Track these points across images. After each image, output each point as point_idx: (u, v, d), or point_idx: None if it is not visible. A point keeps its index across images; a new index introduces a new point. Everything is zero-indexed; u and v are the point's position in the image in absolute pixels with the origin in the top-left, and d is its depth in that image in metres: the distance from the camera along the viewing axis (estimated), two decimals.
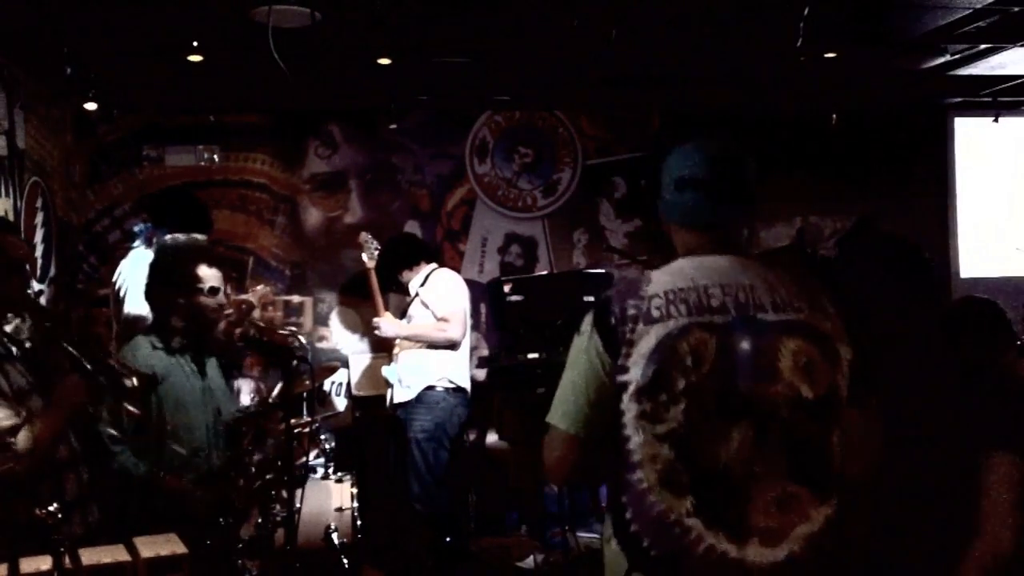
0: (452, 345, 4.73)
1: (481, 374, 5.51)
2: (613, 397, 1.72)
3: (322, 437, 4.59)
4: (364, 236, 5.03)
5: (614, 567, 1.74)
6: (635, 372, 1.69)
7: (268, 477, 3.18)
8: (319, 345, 5.76)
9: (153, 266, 3.24)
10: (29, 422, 2.28)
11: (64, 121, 5.41)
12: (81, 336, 2.68)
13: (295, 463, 3.81)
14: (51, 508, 1.87)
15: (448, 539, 4.70)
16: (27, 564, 1.92)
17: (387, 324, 4.84)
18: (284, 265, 5.89)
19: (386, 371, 4.89)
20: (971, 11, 4.05)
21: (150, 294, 3.19)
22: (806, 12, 3.84)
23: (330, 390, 5.42)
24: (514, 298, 5.22)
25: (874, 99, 6.02)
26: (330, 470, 4.44)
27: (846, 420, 1.72)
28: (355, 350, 5.80)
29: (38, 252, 5.00)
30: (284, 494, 3.39)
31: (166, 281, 3.13)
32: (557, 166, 6.16)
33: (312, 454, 4.49)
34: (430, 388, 4.69)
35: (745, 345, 1.70)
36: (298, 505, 3.57)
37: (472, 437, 5.34)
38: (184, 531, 2.45)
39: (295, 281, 5.89)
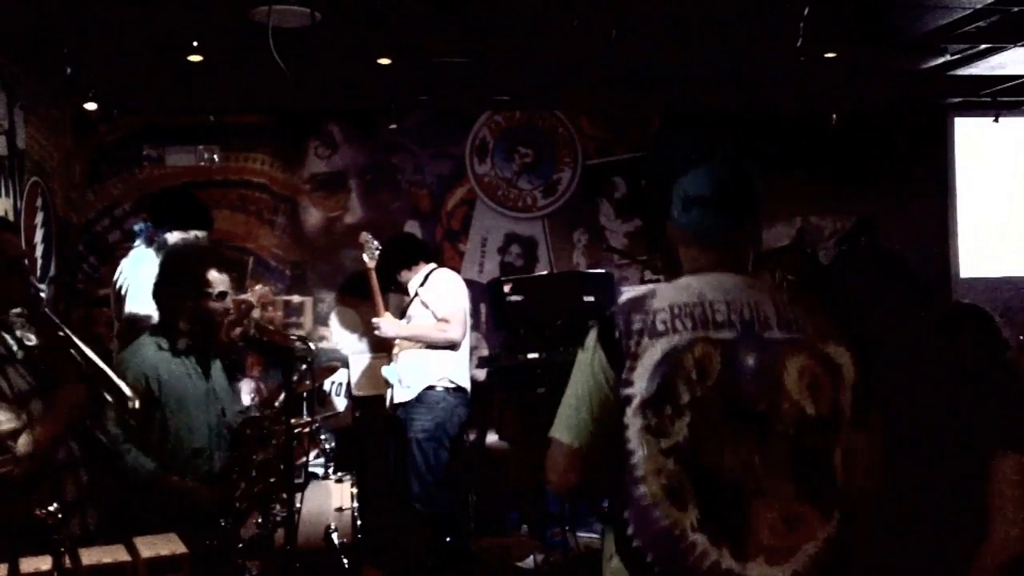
0: (452, 345, 4.73)
1: (481, 374, 5.51)
2: (617, 411, 1.72)
3: (322, 437, 4.58)
4: (364, 236, 5.03)
5: None
6: (640, 385, 1.69)
7: (271, 479, 3.19)
8: (319, 345, 5.76)
9: (163, 267, 3.25)
10: (29, 426, 2.28)
11: (64, 121, 5.41)
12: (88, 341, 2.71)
13: (295, 463, 3.81)
14: (51, 508, 1.87)
15: (448, 539, 4.70)
16: (27, 564, 1.91)
17: (387, 324, 4.83)
18: (284, 265, 5.89)
19: (386, 371, 4.88)
20: (971, 11, 4.05)
21: (158, 294, 3.20)
22: (806, 12, 3.84)
23: (330, 390, 5.42)
24: (514, 298, 5.22)
25: (874, 99, 6.02)
26: (330, 470, 4.44)
27: (848, 439, 1.72)
28: (355, 350, 5.80)
29: (38, 252, 5.00)
30: (284, 494, 3.40)
31: (175, 283, 3.14)
32: (557, 166, 6.16)
33: (312, 454, 4.49)
34: (430, 388, 4.69)
35: (750, 361, 1.70)
36: (298, 505, 3.57)
37: (472, 437, 5.34)
38: (185, 531, 2.46)
39: (295, 281, 5.89)
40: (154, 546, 2.05)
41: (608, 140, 6.20)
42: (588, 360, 1.78)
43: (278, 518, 3.33)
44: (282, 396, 3.85)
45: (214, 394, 3.19)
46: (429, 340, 4.72)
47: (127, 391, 2.39)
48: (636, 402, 1.70)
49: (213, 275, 3.11)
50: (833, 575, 1.69)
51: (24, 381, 2.39)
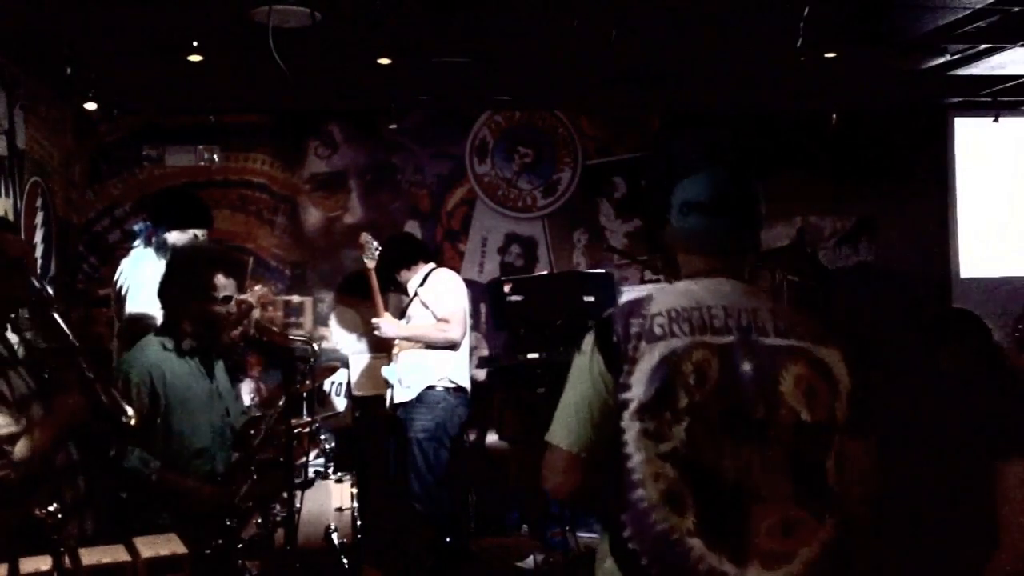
0: (452, 345, 4.73)
1: (481, 374, 5.51)
2: (614, 415, 1.71)
3: (322, 437, 4.58)
4: (365, 237, 5.03)
5: None
6: (637, 390, 1.69)
7: (274, 479, 3.20)
8: (320, 345, 5.76)
9: (169, 268, 3.27)
10: (28, 431, 2.27)
11: (64, 121, 5.41)
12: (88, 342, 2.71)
13: (295, 463, 3.82)
14: (51, 508, 1.87)
15: (448, 539, 4.70)
16: (27, 564, 1.91)
17: (387, 325, 4.83)
18: (284, 265, 5.89)
19: (386, 371, 4.88)
20: (971, 11, 4.05)
21: (163, 295, 3.22)
22: (806, 12, 3.84)
23: (330, 390, 5.42)
24: (514, 298, 5.22)
25: (874, 99, 6.02)
26: (330, 470, 4.43)
27: (844, 445, 1.72)
28: (355, 350, 5.80)
29: (38, 252, 5.00)
30: (284, 494, 3.40)
31: (181, 285, 3.15)
32: (557, 166, 6.16)
33: (312, 454, 4.49)
34: (430, 388, 4.69)
35: (747, 367, 1.70)
36: (298, 505, 3.57)
37: (472, 437, 5.34)
38: (189, 530, 2.47)
39: (295, 281, 5.89)
40: (154, 546, 2.05)
41: (608, 140, 6.20)
42: (585, 364, 1.78)
43: (278, 518, 3.34)
44: (292, 395, 3.87)
45: (217, 394, 3.22)
46: (429, 340, 4.73)
47: (126, 407, 2.39)
48: (634, 406, 1.69)
49: (220, 279, 3.13)
50: None
51: (25, 385, 2.39)
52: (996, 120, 5.95)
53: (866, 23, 4.25)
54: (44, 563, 1.88)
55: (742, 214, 1.87)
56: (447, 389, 4.71)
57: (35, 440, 2.27)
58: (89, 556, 1.97)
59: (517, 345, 5.17)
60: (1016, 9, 4.00)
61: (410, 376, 4.75)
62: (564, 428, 1.79)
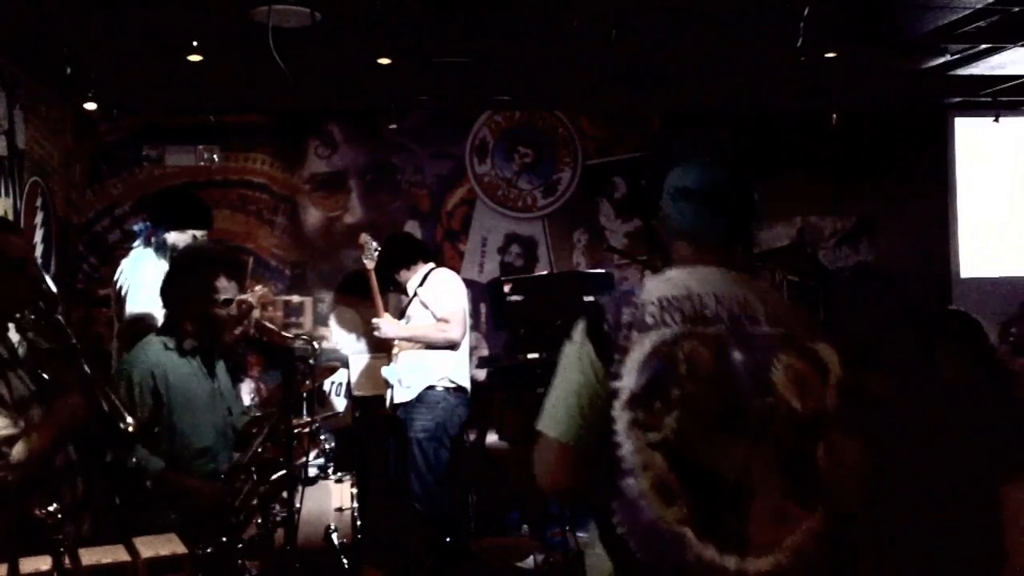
0: (452, 345, 4.73)
1: (481, 374, 5.51)
2: (605, 406, 1.71)
3: (322, 437, 4.58)
4: (364, 238, 5.02)
5: (598, 573, 1.73)
6: (628, 380, 1.69)
7: (276, 479, 3.22)
8: (318, 347, 5.76)
9: (172, 269, 3.30)
10: (27, 433, 2.27)
11: (64, 121, 5.41)
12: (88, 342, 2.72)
13: (295, 463, 3.82)
14: (51, 508, 1.87)
15: (448, 539, 4.70)
16: (27, 564, 1.91)
17: (387, 325, 4.83)
18: (284, 265, 5.89)
19: (386, 371, 4.88)
20: (971, 11, 4.05)
21: (165, 295, 3.23)
22: (806, 12, 3.84)
23: (330, 390, 5.42)
24: (514, 298, 5.22)
25: (874, 99, 6.02)
26: (330, 470, 4.43)
27: (834, 435, 1.72)
28: (355, 350, 5.80)
29: (38, 252, 5.00)
30: (284, 494, 3.40)
31: (183, 286, 3.18)
32: (557, 166, 6.16)
33: (312, 454, 4.49)
34: (430, 388, 4.69)
35: (739, 356, 1.70)
36: (298, 505, 3.57)
37: (472, 437, 5.34)
38: (190, 529, 2.47)
39: (295, 281, 5.89)
40: (154, 546, 2.05)
41: (608, 140, 6.20)
42: (576, 352, 1.77)
43: (278, 518, 3.34)
44: (292, 394, 3.88)
45: (219, 394, 3.24)
46: (429, 340, 4.72)
47: (126, 415, 2.39)
48: (624, 396, 1.68)
49: (222, 283, 3.16)
50: (818, 569, 1.68)
51: (25, 386, 2.38)
52: (996, 120, 5.96)
53: (866, 23, 4.25)
54: (44, 563, 1.88)
55: (733, 203, 1.87)
56: (447, 389, 4.70)
57: (33, 442, 2.26)
58: (89, 556, 1.97)
59: (517, 345, 5.17)
60: (1016, 9, 4.01)
61: (410, 376, 4.75)
62: (554, 417, 1.78)
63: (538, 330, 5.04)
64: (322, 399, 5.19)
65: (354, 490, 4.18)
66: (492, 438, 5.42)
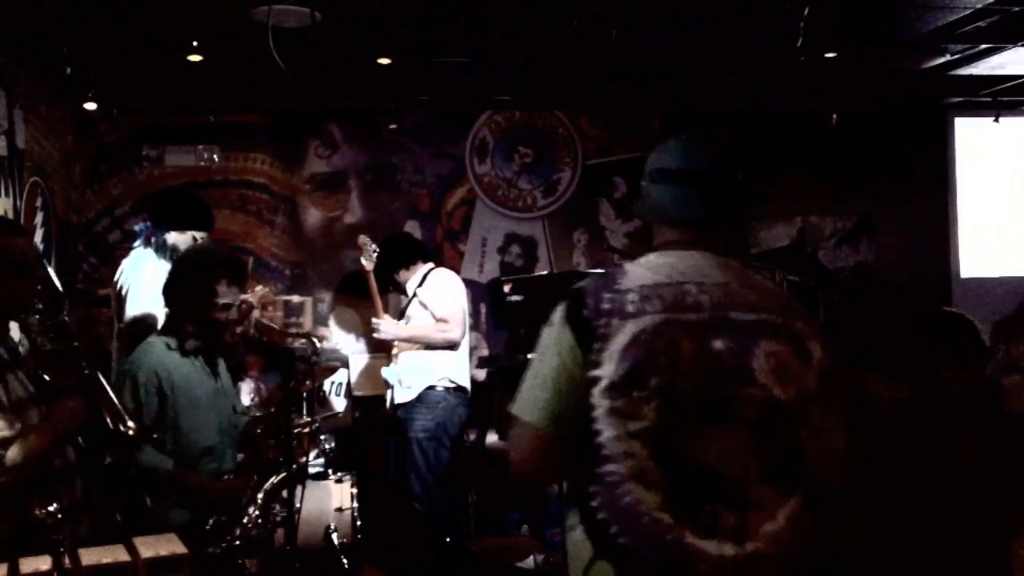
0: (452, 345, 4.73)
1: (481, 374, 5.51)
2: (583, 392, 1.69)
3: (322, 437, 4.59)
4: (363, 239, 5.02)
5: (579, 555, 1.72)
6: (608, 368, 1.66)
7: (282, 476, 3.24)
8: (319, 345, 5.76)
9: (174, 270, 3.31)
10: (23, 436, 2.26)
11: (64, 121, 5.41)
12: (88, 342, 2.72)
13: (295, 463, 3.83)
14: (51, 508, 1.87)
15: (448, 539, 4.70)
16: (27, 564, 1.91)
17: (386, 326, 4.83)
18: (284, 265, 5.89)
19: (385, 372, 4.88)
20: (971, 11, 4.05)
21: (168, 296, 3.25)
22: (806, 12, 3.84)
23: (330, 390, 5.42)
24: (514, 298, 5.22)
25: (874, 99, 6.02)
26: (330, 470, 4.44)
27: (814, 418, 1.71)
28: (355, 350, 5.81)
29: None
30: (284, 494, 3.41)
31: (184, 289, 3.19)
32: (557, 166, 6.16)
33: (312, 454, 4.49)
34: (431, 388, 4.69)
35: (719, 344, 1.68)
36: (298, 505, 3.57)
37: (472, 437, 5.34)
38: (200, 527, 2.48)
39: (295, 281, 5.89)
40: (154, 546, 2.05)
41: (608, 140, 6.20)
42: (555, 337, 1.75)
43: (278, 518, 3.34)
44: (291, 394, 3.90)
45: (223, 393, 3.27)
46: (428, 341, 4.72)
47: (127, 417, 2.39)
48: (604, 384, 1.66)
49: (223, 287, 3.17)
50: (798, 554, 1.67)
51: (24, 388, 2.38)
52: (996, 120, 5.96)
53: (866, 23, 4.25)
54: (44, 563, 1.88)
55: (717, 183, 1.83)
56: (447, 389, 4.71)
57: (29, 445, 2.25)
58: (89, 556, 1.97)
59: (517, 345, 5.17)
60: (1016, 9, 4.01)
61: (410, 376, 4.75)
62: (529, 401, 1.76)
63: (538, 330, 5.02)
64: (321, 400, 5.19)
65: (354, 490, 4.18)
66: (492, 438, 5.42)
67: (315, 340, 3.85)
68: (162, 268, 3.79)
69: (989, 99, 5.85)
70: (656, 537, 1.62)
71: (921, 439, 2.47)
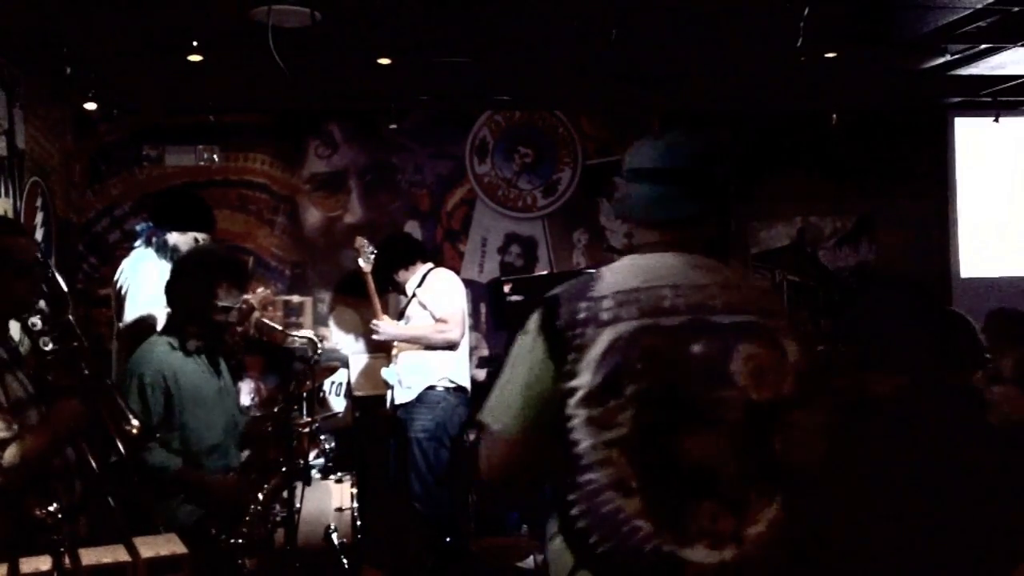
0: (451, 346, 4.73)
1: (481, 374, 5.51)
2: (558, 401, 1.67)
3: (322, 437, 4.59)
4: (360, 241, 5.02)
5: (560, 564, 1.71)
6: (584, 378, 1.64)
7: (284, 476, 3.26)
8: (319, 345, 5.76)
9: (176, 271, 3.32)
10: (20, 437, 2.26)
11: (64, 121, 5.40)
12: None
13: (294, 463, 3.83)
14: (51, 508, 1.87)
15: (448, 539, 4.70)
16: (27, 564, 1.91)
17: (385, 327, 4.83)
18: (284, 265, 5.89)
19: (385, 373, 4.88)
20: (971, 11, 4.05)
21: (169, 296, 3.27)
22: (806, 12, 3.84)
23: (329, 390, 5.42)
24: (514, 298, 5.22)
25: (874, 99, 6.02)
26: (331, 466, 4.44)
27: (791, 418, 1.70)
28: (355, 350, 5.80)
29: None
30: (284, 494, 3.41)
31: (185, 291, 3.22)
32: (557, 166, 6.16)
33: (312, 454, 4.49)
34: (431, 388, 4.69)
35: (696, 349, 1.66)
36: (298, 505, 3.58)
37: (472, 437, 5.34)
38: (211, 524, 2.49)
39: (295, 281, 5.88)
40: (154, 546, 2.05)
41: (608, 140, 6.20)
42: (528, 346, 1.72)
43: (278, 518, 3.35)
44: (292, 394, 3.91)
45: (227, 392, 3.31)
46: (428, 341, 4.73)
47: (131, 416, 2.39)
48: (580, 394, 1.65)
49: (224, 290, 3.18)
50: (779, 556, 1.67)
51: (23, 388, 2.38)
52: (996, 120, 5.95)
53: (866, 23, 4.25)
54: (44, 563, 1.88)
55: (694, 182, 1.79)
56: (447, 389, 4.71)
57: (27, 446, 2.24)
58: (89, 556, 1.97)
59: None
60: (1016, 9, 4.00)
61: (410, 377, 4.75)
62: (497, 409, 1.75)
63: None
64: (321, 401, 5.19)
65: (354, 490, 4.19)
66: None
67: (315, 340, 3.85)
68: (162, 269, 3.79)
69: (989, 99, 5.85)
70: (637, 545, 1.61)
71: (914, 437, 2.46)
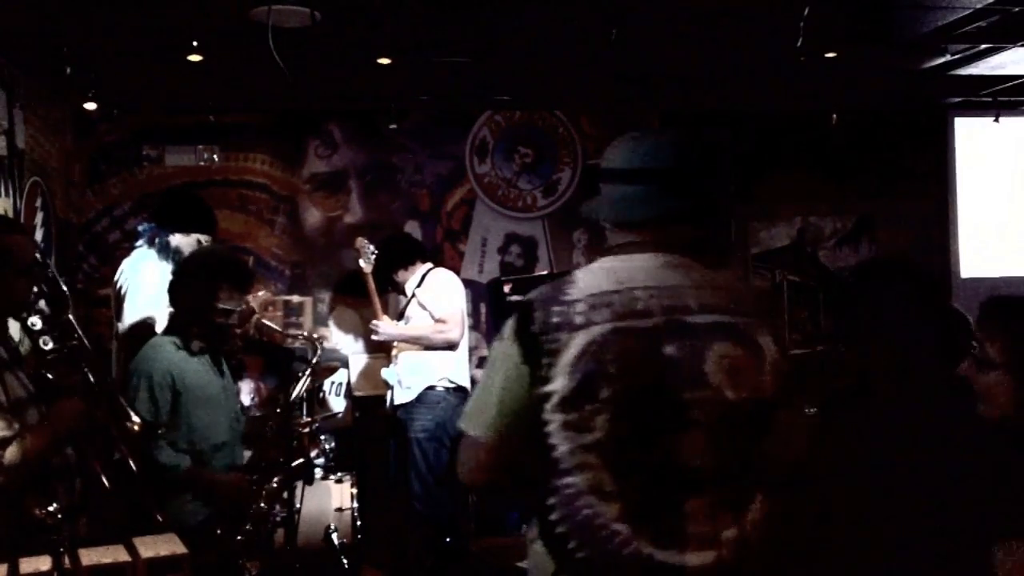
0: (451, 346, 4.73)
1: (481, 374, 5.50)
2: (534, 407, 1.65)
3: (322, 437, 4.59)
4: (360, 241, 5.01)
5: (540, 569, 1.70)
6: (559, 382, 1.63)
7: (287, 475, 3.28)
8: (319, 346, 5.76)
9: (179, 272, 3.35)
10: (21, 436, 2.25)
11: (64, 121, 5.40)
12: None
13: (294, 463, 3.84)
14: (50, 508, 1.87)
15: (448, 539, 4.70)
16: (27, 564, 1.91)
17: (385, 327, 4.83)
18: (284, 265, 5.88)
19: (385, 373, 4.88)
20: (971, 11, 4.05)
21: (172, 297, 3.28)
22: (806, 12, 3.84)
23: (329, 390, 5.42)
24: (514, 298, 5.21)
25: (874, 99, 6.02)
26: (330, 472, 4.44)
27: (771, 419, 1.69)
28: (355, 350, 5.80)
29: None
30: (284, 494, 3.42)
31: (187, 292, 3.23)
32: (557, 166, 6.16)
33: (312, 454, 4.50)
34: (430, 388, 4.69)
35: (671, 350, 1.64)
36: (298, 505, 3.58)
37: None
38: (219, 521, 2.49)
39: (295, 281, 5.88)
40: (154, 546, 2.05)
41: (608, 140, 6.12)
42: (504, 352, 1.72)
43: (278, 518, 3.35)
44: (293, 394, 3.92)
45: (230, 391, 3.34)
46: (427, 342, 4.73)
47: (132, 415, 2.39)
48: (556, 399, 1.63)
49: (225, 293, 3.20)
50: (760, 556, 1.65)
51: (23, 388, 2.37)
52: (996, 120, 5.96)
53: (866, 23, 4.25)
54: (44, 563, 1.88)
55: (669, 181, 1.76)
56: (447, 389, 4.71)
57: (26, 445, 2.24)
58: (89, 556, 1.97)
59: None
60: (1016, 9, 4.00)
61: (410, 377, 4.75)
62: (476, 415, 1.75)
63: None
64: (320, 401, 5.19)
65: (354, 490, 4.19)
66: None
67: (315, 339, 3.86)
68: (163, 269, 3.80)
69: (989, 99, 5.85)
70: (615, 550, 1.60)
71: (913, 437, 2.46)
